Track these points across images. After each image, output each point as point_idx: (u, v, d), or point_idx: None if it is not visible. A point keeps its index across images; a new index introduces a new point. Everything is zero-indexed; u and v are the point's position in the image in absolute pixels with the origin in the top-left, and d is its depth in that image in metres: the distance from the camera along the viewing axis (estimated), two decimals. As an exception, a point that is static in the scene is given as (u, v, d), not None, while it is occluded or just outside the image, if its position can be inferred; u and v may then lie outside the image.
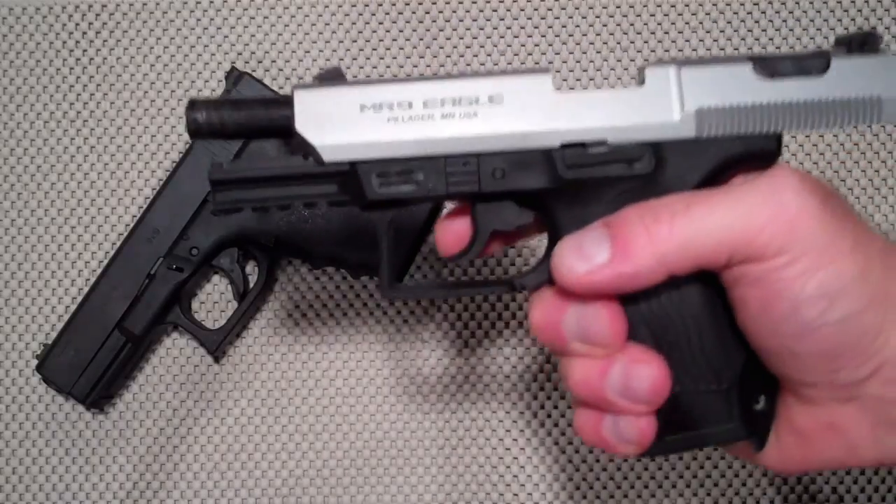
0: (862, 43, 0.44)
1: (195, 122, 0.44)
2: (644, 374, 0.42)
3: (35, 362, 0.69)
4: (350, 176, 0.44)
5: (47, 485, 0.71)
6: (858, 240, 0.40)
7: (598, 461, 0.70)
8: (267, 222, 0.66)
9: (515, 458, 0.71)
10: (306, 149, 0.44)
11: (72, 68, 0.73)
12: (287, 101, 0.44)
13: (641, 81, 0.43)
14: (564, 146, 0.43)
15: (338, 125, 0.43)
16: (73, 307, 0.68)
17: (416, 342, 0.71)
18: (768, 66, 0.43)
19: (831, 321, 0.39)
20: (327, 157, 0.43)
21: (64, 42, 0.73)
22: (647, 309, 0.43)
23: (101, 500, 0.71)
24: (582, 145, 0.43)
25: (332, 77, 0.45)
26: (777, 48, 0.72)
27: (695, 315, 0.43)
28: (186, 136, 0.70)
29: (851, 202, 0.72)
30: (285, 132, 0.44)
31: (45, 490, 0.71)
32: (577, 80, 0.72)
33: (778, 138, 0.44)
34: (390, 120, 0.43)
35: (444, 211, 0.50)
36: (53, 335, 0.70)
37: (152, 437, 0.71)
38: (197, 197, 0.66)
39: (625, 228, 0.41)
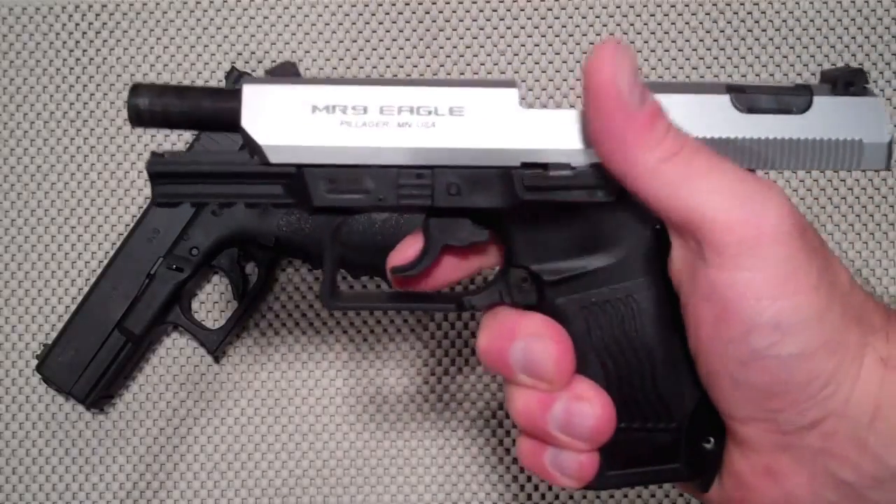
0: (848, 82, 0.42)
1: (136, 109, 0.40)
2: (587, 412, 0.41)
3: (35, 362, 0.69)
4: (296, 179, 0.41)
5: (47, 485, 0.71)
6: (823, 279, 0.38)
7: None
8: (267, 222, 0.66)
9: (513, 461, 0.71)
10: (252, 147, 0.41)
11: (72, 68, 0.73)
12: (235, 95, 0.41)
13: None
14: (525, 166, 0.41)
15: (286, 125, 0.41)
16: (73, 307, 0.68)
17: (416, 342, 0.71)
18: (747, 99, 0.41)
19: (780, 355, 0.37)
20: (273, 157, 0.41)
21: (64, 42, 0.73)
22: (600, 341, 0.42)
23: (101, 500, 0.71)
24: (543, 167, 0.41)
25: (285, 72, 0.42)
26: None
27: (649, 349, 0.41)
28: (187, 136, 0.70)
29: (845, 210, 0.72)
30: (231, 127, 0.41)
31: (45, 490, 0.71)
32: (578, 79, 0.72)
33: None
34: (343, 124, 0.41)
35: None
36: (53, 335, 0.70)
37: (152, 437, 0.71)
38: (197, 197, 0.66)
39: (656, 119, 0.38)
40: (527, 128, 0.41)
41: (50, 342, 0.68)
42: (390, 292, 0.46)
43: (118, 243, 0.68)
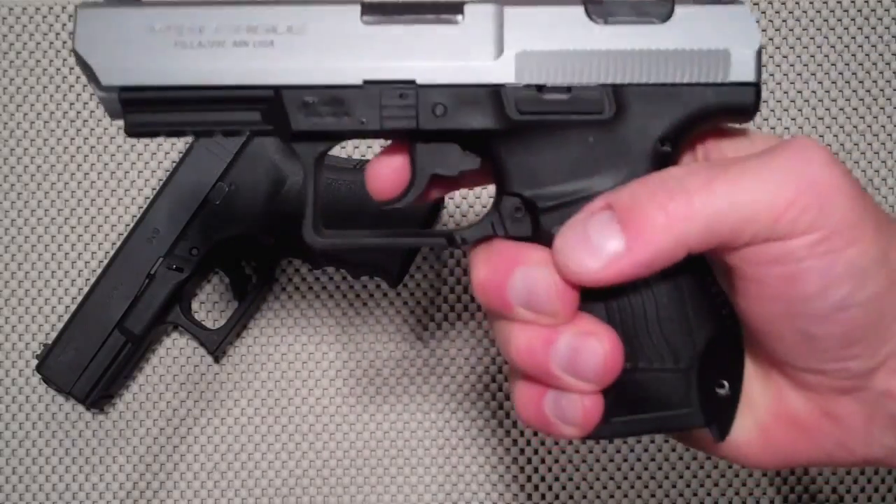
0: None
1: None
2: (594, 348, 0.38)
3: (35, 362, 0.69)
4: (274, 103, 0.41)
5: (47, 485, 0.71)
6: (880, 220, 0.38)
7: (570, 462, 0.70)
8: (267, 222, 0.66)
9: (513, 461, 0.71)
10: (85, 69, 0.40)
11: (72, 68, 0.73)
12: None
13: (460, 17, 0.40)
14: (515, 87, 0.40)
15: (120, 47, 0.40)
16: (73, 307, 0.68)
17: (416, 342, 0.71)
18: (603, 9, 0.40)
19: (858, 302, 0.37)
20: (105, 79, 0.40)
21: (64, 42, 0.73)
22: None
23: (101, 500, 0.71)
24: (538, 88, 0.40)
25: None
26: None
27: (654, 286, 0.39)
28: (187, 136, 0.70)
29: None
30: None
31: (45, 490, 0.71)
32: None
33: (756, 90, 0.40)
34: (177, 45, 0.40)
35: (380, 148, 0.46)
36: (53, 335, 0.70)
37: (152, 437, 0.71)
38: (197, 197, 0.66)
39: (635, 210, 0.37)
40: (369, 44, 0.40)
41: (50, 342, 0.68)
42: (374, 231, 0.45)
43: (118, 243, 0.68)
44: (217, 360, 0.71)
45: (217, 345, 0.68)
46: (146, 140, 0.72)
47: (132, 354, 0.68)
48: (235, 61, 0.40)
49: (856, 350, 0.38)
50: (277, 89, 0.40)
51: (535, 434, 0.70)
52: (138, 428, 0.71)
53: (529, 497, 0.70)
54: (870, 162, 0.72)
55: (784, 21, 0.73)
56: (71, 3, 0.73)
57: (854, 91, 0.72)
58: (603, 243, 0.37)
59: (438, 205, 0.68)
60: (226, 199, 0.66)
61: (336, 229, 0.44)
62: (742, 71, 0.40)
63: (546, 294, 0.39)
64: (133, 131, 0.42)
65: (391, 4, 0.41)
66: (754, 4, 0.72)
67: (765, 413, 0.41)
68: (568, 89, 0.40)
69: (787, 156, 0.37)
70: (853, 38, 0.72)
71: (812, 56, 0.72)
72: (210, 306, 0.72)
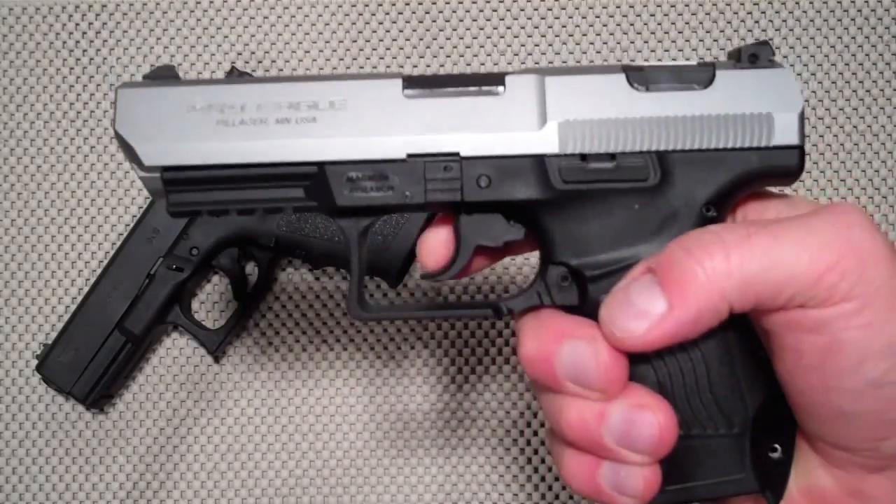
0: (752, 54, 0.40)
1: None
2: (648, 421, 0.37)
3: (35, 362, 0.69)
4: (318, 179, 0.41)
5: (47, 485, 0.71)
6: None
7: None
8: (267, 222, 0.66)
9: (513, 461, 0.71)
10: (127, 150, 0.41)
11: (72, 68, 0.73)
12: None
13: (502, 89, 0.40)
14: (559, 156, 0.40)
15: (161, 127, 0.40)
16: (74, 307, 0.68)
17: (416, 342, 0.71)
18: (644, 76, 0.40)
19: (894, 381, 0.35)
20: (147, 160, 0.40)
21: (64, 42, 0.73)
22: None
23: (101, 500, 0.71)
24: (582, 157, 0.40)
25: (162, 76, 0.41)
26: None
27: (705, 349, 0.39)
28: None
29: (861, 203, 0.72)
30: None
31: (45, 490, 0.71)
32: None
33: (800, 153, 0.40)
34: (219, 123, 0.40)
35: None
36: (53, 335, 0.70)
37: (152, 437, 0.71)
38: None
39: (674, 270, 0.36)
40: (411, 117, 0.40)
41: (50, 342, 0.68)
42: (422, 301, 0.45)
43: (118, 243, 0.68)
44: (217, 360, 0.71)
45: (217, 345, 0.68)
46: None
47: (132, 354, 0.68)
48: (278, 139, 0.40)
49: (888, 431, 0.37)
50: (321, 165, 0.40)
51: (535, 434, 0.70)
52: (138, 428, 0.71)
53: (529, 497, 0.70)
54: (870, 162, 0.72)
55: (784, 21, 0.73)
56: (71, 2, 0.73)
57: (854, 91, 0.72)
58: (646, 306, 0.37)
59: (433, 214, 0.68)
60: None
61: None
62: (785, 134, 0.40)
63: (594, 370, 0.38)
64: (175, 210, 0.42)
65: (433, 77, 0.41)
66: (754, 4, 0.73)
67: (793, 489, 0.40)
68: (612, 157, 0.40)
69: (829, 219, 0.36)
70: (853, 38, 0.72)
71: (812, 56, 0.72)
72: (210, 306, 0.72)
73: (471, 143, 0.40)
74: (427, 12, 0.73)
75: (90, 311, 0.67)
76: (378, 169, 0.40)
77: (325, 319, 0.72)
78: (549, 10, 0.73)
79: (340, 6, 0.73)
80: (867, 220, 0.36)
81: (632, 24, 0.73)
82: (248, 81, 0.41)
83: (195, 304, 0.72)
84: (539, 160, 0.40)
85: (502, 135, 0.40)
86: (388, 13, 0.73)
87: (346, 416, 0.71)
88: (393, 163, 0.40)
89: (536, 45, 0.73)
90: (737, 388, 0.39)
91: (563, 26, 0.73)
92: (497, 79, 0.40)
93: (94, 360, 0.66)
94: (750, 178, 0.40)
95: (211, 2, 0.73)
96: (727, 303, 0.36)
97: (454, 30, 0.73)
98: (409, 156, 0.40)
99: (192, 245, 0.67)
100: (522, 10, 0.73)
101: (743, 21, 0.73)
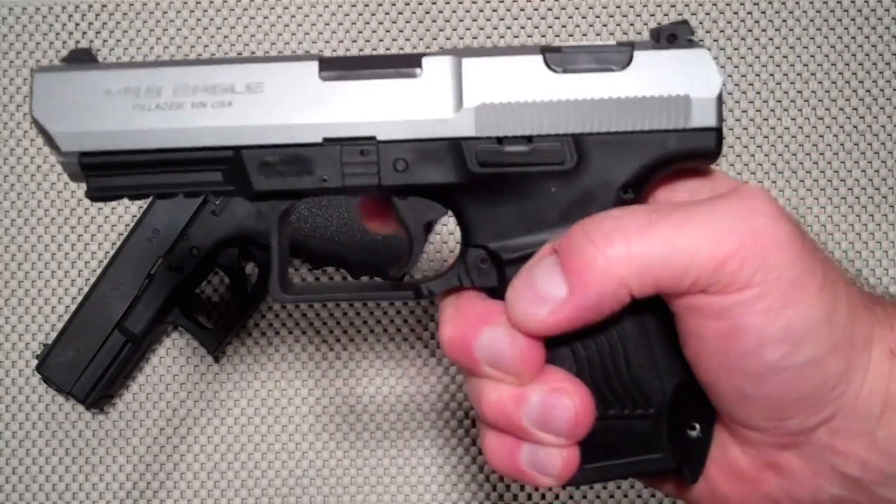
0: (671, 34, 0.40)
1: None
2: (564, 405, 0.38)
3: (35, 362, 0.69)
4: (234, 163, 0.40)
5: (47, 485, 0.71)
6: (827, 278, 0.36)
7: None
8: (267, 222, 0.66)
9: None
10: (44, 135, 0.40)
11: (72, 68, 0.73)
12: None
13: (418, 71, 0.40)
14: (475, 140, 0.39)
15: (78, 111, 0.40)
16: (73, 307, 0.68)
17: (416, 342, 0.71)
18: (561, 57, 0.39)
19: (794, 365, 0.36)
20: (64, 146, 0.40)
21: (64, 42, 0.73)
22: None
23: (101, 500, 0.71)
24: (498, 141, 0.39)
25: (79, 59, 0.41)
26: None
27: (620, 332, 0.39)
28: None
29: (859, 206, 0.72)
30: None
31: (45, 490, 0.71)
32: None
33: (718, 135, 0.40)
34: (136, 107, 0.39)
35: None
36: (53, 335, 0.70)
37: (152, 437, 0.71)
38: (197, 197, 0.66)
39: (575, 255, 0.37)
40: (328, 101, 0.40)
41: (50, 342, 0.68)
42: (343, 283, 0.45)
43: (118, 243, 0.68)
44: (217, 360, 0.71)
45: (217, 345, 0.68)
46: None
47: (132, 354, 0.68)
48: (194, 123, 0.40)
49: (790, 411, 0.37)
50: (237, 150, 0.40)
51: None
52: (138, 428, 0.71)
53: (529, 497, 0.70)
54: (870, 162, 0.72)
55: (784, 21, 0.73)
56: (71, 2, 0.73)
57: (854, 91, 0.72)
58: (547, 291, 0.37)
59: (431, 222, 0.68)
60: (226, 199, 0.66)
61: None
62: (703, 116, 0.39)
63: (510, 356, 0.38)
64: (95, 195, 0.41)
65: (350, 59, 0.41)
66: (754, 4, 0.73)
67: (711, 467, 0.41)
68: (528, 140, 0.40)
69: (733, 205, 0.36)
70: (853, 38, 0.72)
71: (812, 56, 0.72)
72: (210, 306, 0.72)
73: (387, 127, 0.40)
74: (427, 12, 0.73)
75: (90, 311, 0.67)
76: (294, 153, 0.40)
77: (325, 319, 0.72)
78: (549, 9, 0.73)
79: (340, 6, 0.73)
80: (772, 205, 0.36)
81: (632, 25, 0.73)
82: (166, 64, 0.41)
83: (195, 305, 0.72)
84: (456, 144, 0.40)
85: (419, 118, 0.40)
86: (387, 13, 0.73)
87: (346, 417, 0.71)
88: (309, 147, 0.40)
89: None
90: (654, 368, 0.40)
91: (563, 26, 0.73)
92: (414, 60, 0.40)
93: (94, 360, 0.66)
94: (667, 160, 0.40)
95: (211, 2, 0.73)
96: (627, 289, 0.36)
97: (454, 30, 0.73)
98: (326, 140, 0.40)
99: (192, 245, 0.67)
100: (522, 9, 0.73)
101: (743, 20, 0.73)
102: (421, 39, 0.73)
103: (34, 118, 0.40)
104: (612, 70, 0.40)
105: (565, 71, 0.40)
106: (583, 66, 0.40)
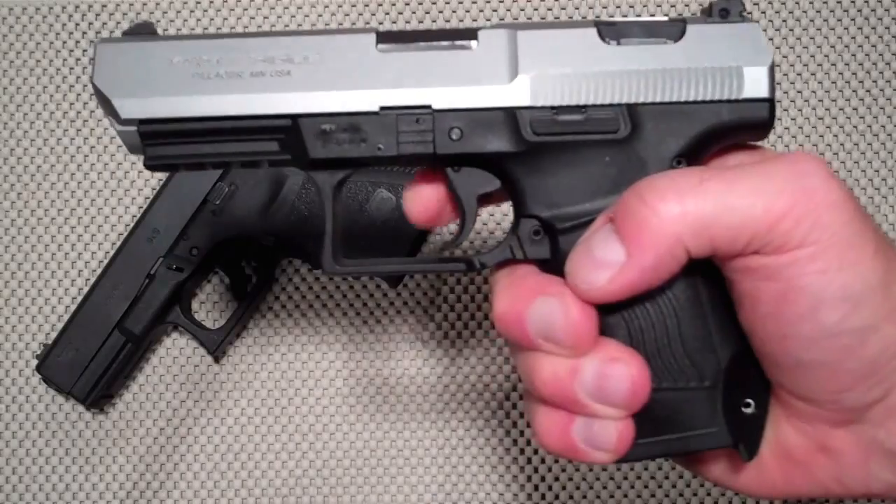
0: (723, 9, 0.41)
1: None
2: (621, 374, 0.38)
3: (35, 362, 0.69)
4: (292, 132, 0.41)
5: (47, 485, 0.71)
6: (879, 245, 0.36)
7: (570, 462, 0.70)
8: (267, 222, 0.66)
9: (513, 461, 0.71)
10: (104, 103, 0.41)
11: (72, 68, 0.73)
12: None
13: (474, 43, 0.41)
14: (530, 109, 0.40)
15: (138, 80, 0.40)
16: (74, 307, 0.68)
17: (416, 342, 0.71)
18: (615, 30, 0.40)
19: (851, 329, 0.35)
20: (124, 113, 0.41)
21: (64, 42, 0.73)
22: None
23: (101, 500, 0.71)
24: (552, 110, 0.40)
25: (141, 31, 0.42)
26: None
27: (675, 302, 0.39)
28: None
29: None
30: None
31: (45, 490, 0.71)
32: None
33: (770, 106, 0.40)
34: (195, 76, 0.40)
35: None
36: (53, 335, 0.70)
37: (152, 437, 0.71)
38: (197, 197, 0.66)
39: (629, 217, 0.37)
40: (384, 70, 0.40)
41: (50, 342, 0.68)
42: (394, 258, 0.45)
43: (118, 243, 0.68)
44: (217, 360, 0.71)
45: (217, 345, 0.68)
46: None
47: (132, 354, 0.68)
48: (253, 92, 0.41)
49: (847, 382, 0.36)
50: (295, 118, 0.41)
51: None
52: (138, 428, 0.71)
53: (529, 497, 0.70)
54: (870, 162, 0.72)
55: (784, 21, 0.72)
56: (71, 2, 0.73)
57: (854, 91, 0.72)
58: (606, 256, 0.37)
59: None
60: (225, 199, 0.66)
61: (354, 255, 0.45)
62: (755, 87, 0.40)
63: (563, 326, 0.38)
64: (152, 164, 0.42)
65: (406, 32, 0.42)
66: (754, 4, 0.72)
67: (763, 447, 0.40)
68: (582, 109, 0.40)
69: (785, 166, 0.36)
70: (853, 38, 0.72)
71: (812, 56, 0.72)
72: (210, 306, 0.72)
73: (443, 96, 0.40)
74: (427, 12, 0.73)
75: (90, 311, 0.67)
76: (351, 121, 0.41)
77: (325, 319, 0.72)
78: (549, 9, 0.73)
79: (340, 6, 0.73)
80: (824, 167, 0.36)
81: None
82: (225, 36, 0.41)
83: (195, 304, 0.72)
84: (510, 113, 0.40)
85: (474, 88, 0.40)
86: (388, 13, 0.73)
87: (347, 417, 0.71)
88: (366, 115, 0.41)
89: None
90: (708, 339, 0.40)
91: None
92: (470, 33, 0.41)
93: (94, 360, 0.66)
94: (720, 130, 0.40)
95: (211, 2, 0.73)
96: (683, 247, 0.36)
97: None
98: (382, 108, 0.41)
99: (192, 245, 0.67)
100: (522, 9, 0.73)
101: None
102: (421, 39, 0.73)
103: (95, 86, 0.41)
104: (664, 42, 0.40)
105: (619, 43, 0.40)
106: (636, 39, 0.40)
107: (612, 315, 0.39)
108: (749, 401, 0.40)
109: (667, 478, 0.70)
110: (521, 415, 0.70)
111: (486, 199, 0.43)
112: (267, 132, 0.41)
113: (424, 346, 0.71)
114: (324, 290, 0.72)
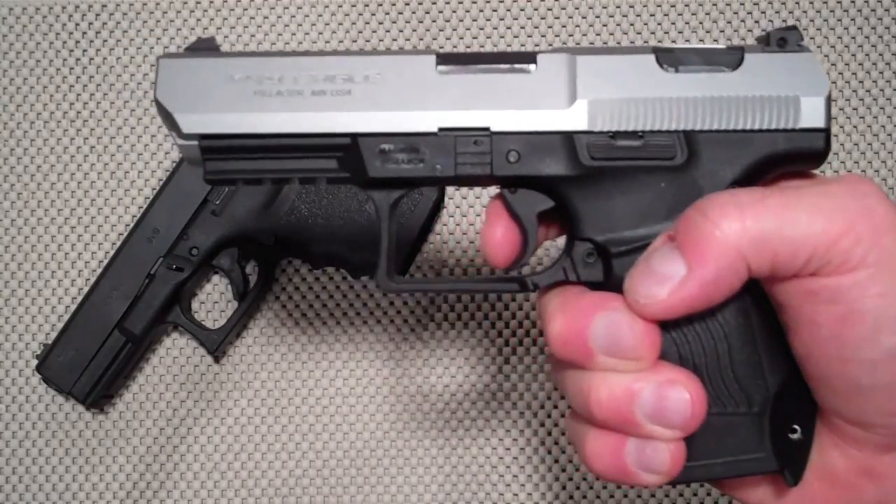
0: (781, 38, 0.41)
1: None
2: (680, 396, 0.38)
3: (35, 362, 0.69)
4: (351, 150, 0.41)
5: (47, 485, 0.71)
6: None
7: (570, 462, 0.70)
8: (267, 222, 0.66)
9: (513, 461, 0.71)
10: (166, 118, 0.42)
11: (72, 68, 0.73)
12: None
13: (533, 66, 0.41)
14: (587, 133, 0.40)
15: (199, 96, 0.41)
16: (73, 307, 0.68)
17: (416, 342, 0.71)
18: (673, 57, 0.41)
19: None
20: (186, 128, 0.41)
21: (64, 42, 0.73)
22: (671, 321, 0.39)
23: (101, 500, 0.71)
24: (610, 135, 0.40)
25: (203, 48, 0.42)
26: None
27: (726, 328, 0.40)
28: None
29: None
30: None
31: (45, 490, 0.71)
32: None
33: (826, 136, 0.41)
34: (257, 93, 0.41)
35: (479, 223, 0.46)
36: (53, 335, 0.70)
37: (152, 437, 0.71)
38: (197, 197, 0.66)
39: (692, 232, 0.37)
40: (444, 92, 0.41)
41: (50, 342, 0.68)
42: (448, 277, 0.46)
43: (118, 243, 0.68)
44: (217, 360, 0.71)
45: (217, 345, 0.68)
46: (146, 140, 0.72)
47: (132, 354, 0.68)
48: (314, 110, 0.41)
49: None
50: (355, 137, 0.41)
51: (536, 434, 0.71)
52: (138, 428, 0.71)
53: (530, 496, 0.70)
54: (870, 162, 0.72)
55: (784, 21, 0.73)
56: (71, 2, 0.73)
57: (854, 91, 0.72)
58: (666, 271, 0.37)
59: (439, 204, 0.68)
60: (225, 199, 0.66)
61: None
62: (812, 117, 0.41)
63: (631, 337, 0.38)
64: (212, 178, 0.42)
65: (466, 54, 0.42)
66: (754, 4, 0.73)
67: (807, 470, 0.40)
68: (640, 135, 0.41)
69: (843, 186, 0.37)
70: (853, 38, 0.72)
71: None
72: (210, 306, 0.72)
73: (501, 119, 0.41)
74: (427, 12, 0.73)
75: (90, 311, 0.67)
76: (410, 142, 0.41)
77: (326, 319, 0.72)
78: (549, 9, 0.73)
79: (340, 6, 0.73)
80: (880, 191, 0.36)
81: (632, 25, 0.73)
82: (287, 54, 0.42)
83: (195, 304, 0.72)
84: (568, 137, 0.41)
85: (532, 111, 0.41)
86: (388, 13, 0.73)
87: (346, 416, 0.71)
88: (424, 136, 0.41)
89: (536, 45, 0.73)
90: (758, 366, 0.40)
91: (563, 26, 0.73)
92: (529, 57, 0.41)
93: (94, 360, 0.66)
94: (776, 159, 0.41)
95: (211, 2, 0.73)
96: (745, 262, 0.36)
97: (454, 30, 0.73)
98: (441, 130, 0.41)
99: (192, 245, 0.67)
100: (522, 9, 0.73)
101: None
102: (421, 39, 0.73)
103: (158, 101, 0.41)
104: (722, 70, 0.40)
105: (677, 70, 0.41)
106: (694, 66, 0.41)
107: (664, 338, 0.39)
108: (796, 427, 0.40)
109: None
110: (521, 413, 0.70)
111: (546, 224, 0.44)
112: (326, 150, 0.42)
113: (424, 346, 0.71)
114: (324, 290, 0.72)
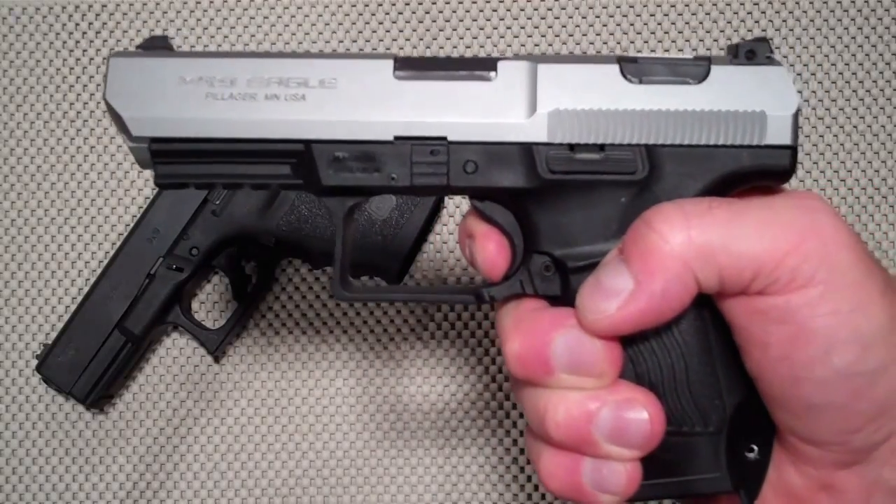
0: (749, 51, 0.40)
1: None
2: (639, 415, 0.37)
3: (35, 362, 0.69)
4: (304, 157, 0.40)
5: (47, 485, 0.71)
6: (887, 284, 0.35)
7: None
8: (267, 222, 0.66)
9: (513, 461, 0.71)
10: (116, 119, 0.40)
11: (72, 68, 0.73)
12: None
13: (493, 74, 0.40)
14: (547, 145, 0.39)
15: (151, 97, 0.40)
16: (73, 307, 0.68)
17: (416, 342, 0.71)
18: (638, 68, 0.39)
19: (863, 370, 0.34)
20: (135, 130, 0.40)
21: (64, 42, 0.73)
22: (630, 336, 0.38)
23: (101, 500, 0.71)
24: (570, 147, 0.39)
25: (155, 46, 0.41)
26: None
27: (683, 346, 0.39)
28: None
29: (858, 207, 0.72)
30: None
31: (45, 490, 0.71)
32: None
33: (793, 153, 0.39)
34: (209, 96, 0.40)
35: (476, 240, 0.46)
36: (53, 335, 0.70)
37: (152, 437, 0.71)
38: (197, 197, 0.66)
39: (637, 244, 0.36)
40: (401, 99, 0.40)
41: (50, 342, 0.68)
42: (403, 286, 0.44)
43: (118, 243, 0.68)
44: (217, 360, 0.71)
45: (217, 345, 0.68)
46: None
47: (132, 354, 0.68)
48: (266, 115, 0.40)
49: (857, 423, 0.36)
50: (308, 143, 0.40)
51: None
52: (138, 428, 0.71)
53: (529, 497, 0.70)
54: (870, 162, 0.72)
55: (784, 21, 0.72)
56: (71, 2, 0.73)
57: (854, 91, 0.72)
58: (614, 284, 0.36)
59: (437, 208, 0.68)
60: (225, 199, 0.66)
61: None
62: (778, 133, 0.39)
63: (592, 354, 0.37)
64: (162, 182, 0.42)
65: (425, 59, 0.41)
66: (754, 4, 0.73)
67: (765, 488, 0.40)
68: (601, 148, 0.39)
69: (792, 202, 0.36)
70: (853, 38, 0.72)
71: (812, 56, 0.72)
72: (210, 306, 0.72)
73: (459, 128, 0.40)
74: (427, 12, 0.73)
75: (90, 311, 0.67)
76: (364, 150, 0.40)
77: (325, 319, 0.72)
78: (549, 9, 0.73)
79: (340, 6, 0.73)
80: (830, 207, 0.36)
81: (632, 24, 0.73)
82: (241, 55, 0.41)
83: (195, 304, 0.72)
84: (527, 148, 0.40)
85: (491, 121, 0.40)
86: (388, 13, 0.73)
87: (346, 416, 0.71)
88: (380, 144, 0.40)
89: (536, 45, 0.73)
90: (715, 386, 0.39)
91: (563, 26, 0.73)
92: (489, 64, 0.40)
93: (94, 360, 0.66)
94: (740, 176, 0.40)
95: (211, 2, 0.73)
96: (692, 274, 0.35)
97: (454, 30, 0.73)
98: (397, 138, 0.40)
99: (192, 245, 0.67)
100: (522, 9, 0.73)
101: (743, 20, 0.73)
102: (421, 39, 0.73)
103: (107, 101, 0.40)
104: (688, 83, 0.39)
105: (641, 81, 0.39)
106: (659, 78, 0.39)
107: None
108: (753, 446, 0.40)
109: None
110: (521, 415, 0.70)
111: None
112: (279, 156, 0.41)
113: (424, 346, 0.71)
114: (324, 290, 0.72)
